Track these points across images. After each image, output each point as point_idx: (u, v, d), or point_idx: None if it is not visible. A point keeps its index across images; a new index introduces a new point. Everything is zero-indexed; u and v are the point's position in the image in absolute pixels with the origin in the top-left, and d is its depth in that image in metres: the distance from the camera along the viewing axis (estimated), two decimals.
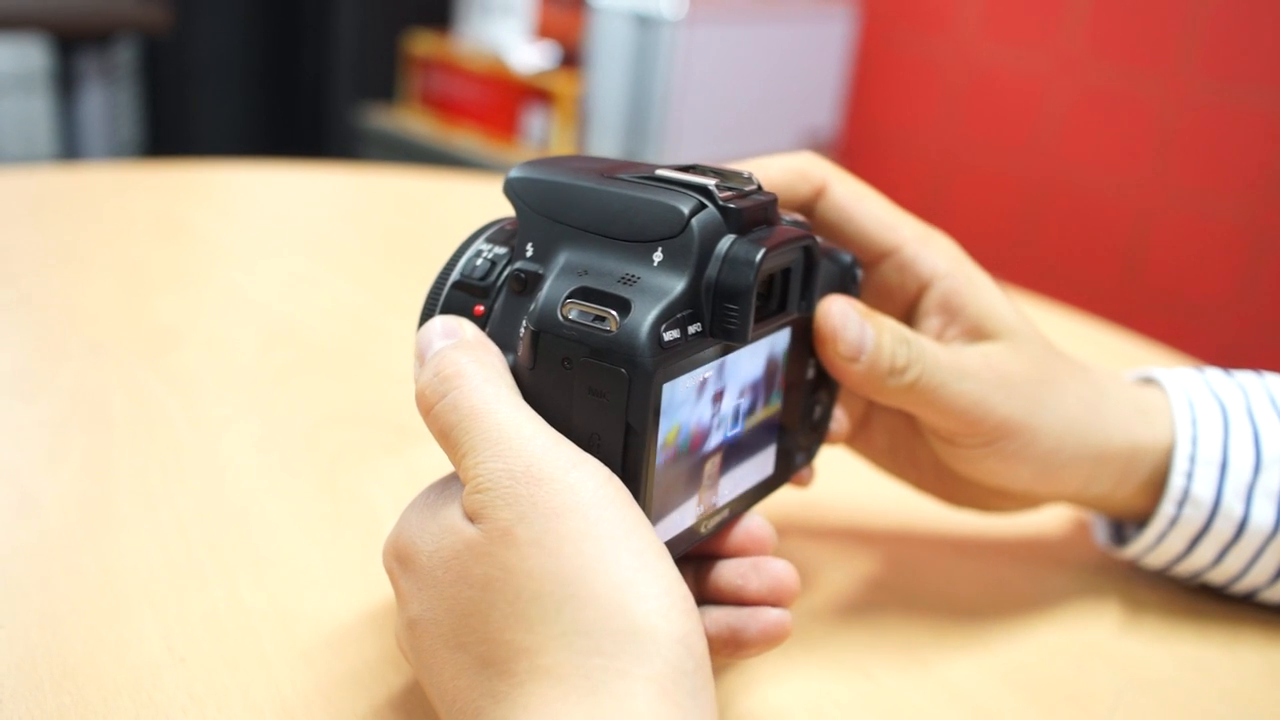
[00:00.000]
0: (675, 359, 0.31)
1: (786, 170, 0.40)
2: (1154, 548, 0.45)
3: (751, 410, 0.36)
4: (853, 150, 2.29)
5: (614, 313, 0.30)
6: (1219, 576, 0.45)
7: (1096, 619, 0.46)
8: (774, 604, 0.35)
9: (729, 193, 0.33)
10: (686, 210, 0.31)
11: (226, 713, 0.35)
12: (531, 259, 0.33)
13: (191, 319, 0.66)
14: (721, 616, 0.35)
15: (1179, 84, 1.81)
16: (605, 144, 1.99)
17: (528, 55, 2.22)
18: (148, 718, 0.35)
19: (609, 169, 0.34)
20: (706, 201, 0.32)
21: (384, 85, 2.45)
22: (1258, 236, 1.77)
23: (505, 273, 0.34)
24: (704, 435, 0.33)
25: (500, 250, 0.35)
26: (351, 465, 0.51)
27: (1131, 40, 1.85)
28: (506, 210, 0.36)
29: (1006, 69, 2.02)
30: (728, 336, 0.32)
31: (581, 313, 0.31)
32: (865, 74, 2.25)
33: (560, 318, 0.31)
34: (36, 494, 0.46)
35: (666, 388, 0.31)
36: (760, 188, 0.34)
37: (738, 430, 0.35)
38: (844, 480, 0.51)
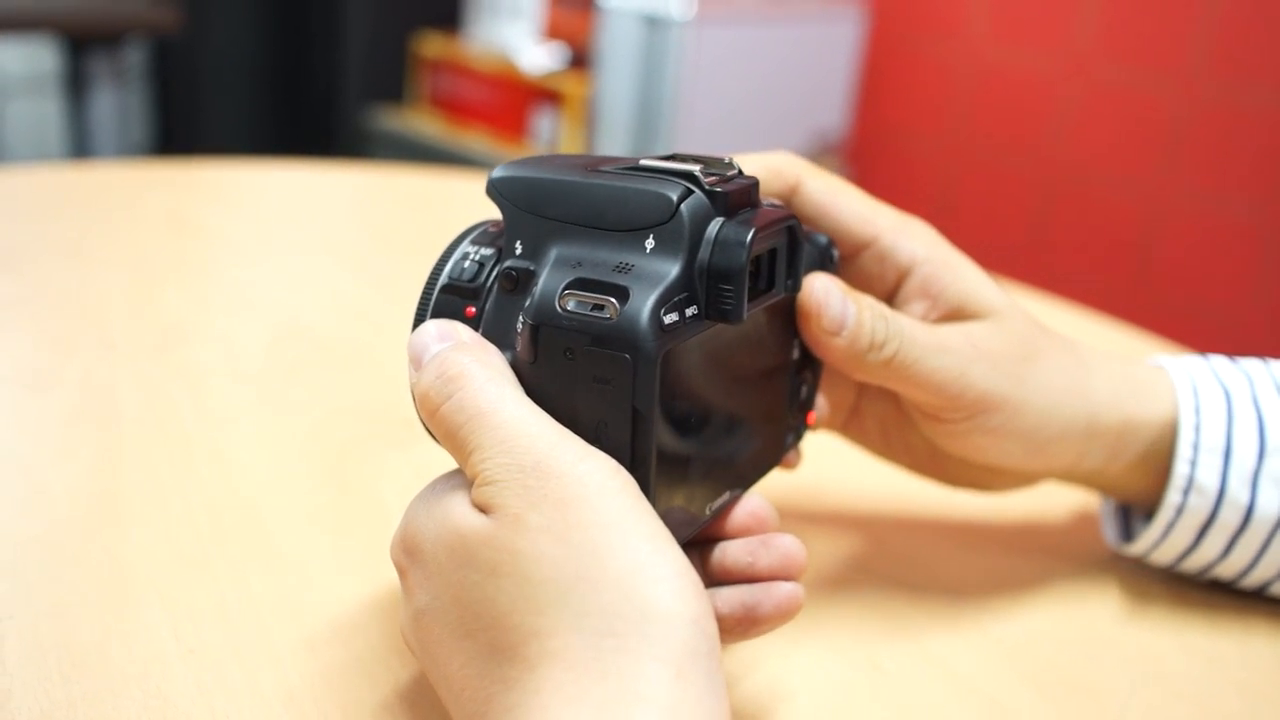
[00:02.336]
0: (676, 341, 0.31)
1: (761, 168, 0.41)
2: (1162, 540, 0.44)
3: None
4: (861, 151, 2.29)
5: (613, 300, 0.30)
6: (1229, 570, 0.45)
7: (1102, 607, 0.46)
8: (785, 578, 0.35)
9: (713, 177, 0.33)
10: (675, 196, 0.32)
11: (234, 703, 0.35)
12: (521, 256, 0.34)
13: (201, 315, 0.67)
14: (734, 595, 0.35)
15: (1189, 83, 1.80)
16: (613, 145, 1.99)
17: (536, 56, 2.22)
18: (156, 708, 0.35)
19: (591, 163, 0.35)
20: (693, 187, 0.32)
21: (393, 87, 2.46)
22: (1269, 234, 1.76)
23: (495, 273, 0.34)
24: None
25: (487, 251, 0.35)
26: (359, 459, 0.51)
27: (1141, 39, 1.85)
28: None
29: (1015, 69, 2.02)
30: (723, 317, 0.32)
31: (580, 303, 0.31)
32: (874, 75, 2.25)
33: (559, 309, 0.31)
34: (47, 486, 0.47)
35: (669, 370, 0.31)
36: (741, 172, 0.35)
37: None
38: (841, 466, 0.51)
